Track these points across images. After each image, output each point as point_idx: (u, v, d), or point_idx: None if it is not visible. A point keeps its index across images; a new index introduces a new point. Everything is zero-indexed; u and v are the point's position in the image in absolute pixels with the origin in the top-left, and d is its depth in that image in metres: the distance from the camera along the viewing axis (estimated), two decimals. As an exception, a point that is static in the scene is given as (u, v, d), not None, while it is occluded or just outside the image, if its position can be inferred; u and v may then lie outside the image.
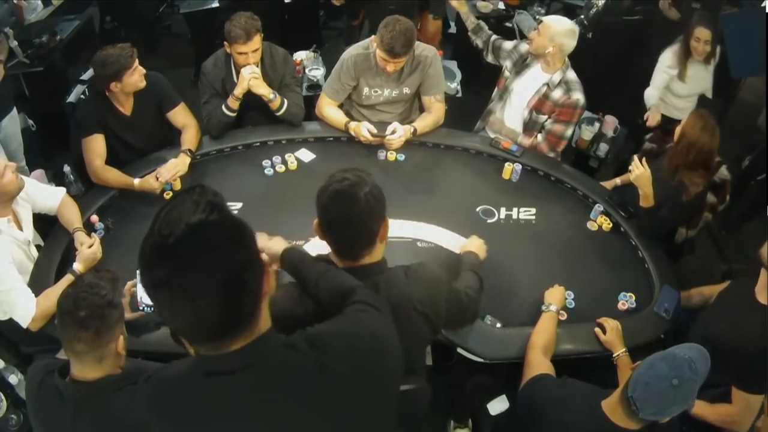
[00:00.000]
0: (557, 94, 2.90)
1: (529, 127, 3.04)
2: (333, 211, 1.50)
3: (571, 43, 2.82)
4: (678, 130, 2.52)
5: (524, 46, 3.02)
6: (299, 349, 1.05)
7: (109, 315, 1.53)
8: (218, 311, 0.93)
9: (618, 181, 3.00)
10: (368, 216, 1.50)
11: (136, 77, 2.62)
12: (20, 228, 2.24)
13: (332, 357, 1.05)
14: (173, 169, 2.64)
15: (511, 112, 3.11)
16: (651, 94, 3.47)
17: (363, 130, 2.86)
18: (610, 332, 2.14)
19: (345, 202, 1.48)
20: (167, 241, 0.91)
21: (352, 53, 2.92)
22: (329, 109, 3.02)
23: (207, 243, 0.92)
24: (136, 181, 2.62)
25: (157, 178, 2.59)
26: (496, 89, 3.19)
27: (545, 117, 2.97)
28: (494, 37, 3.24)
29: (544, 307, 2.18)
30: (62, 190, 2.47)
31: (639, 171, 2.50)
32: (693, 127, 2.45)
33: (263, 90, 2.84)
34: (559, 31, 2.79)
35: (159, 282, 0.92)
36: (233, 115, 2.91)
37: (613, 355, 2.11)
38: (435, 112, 3.03)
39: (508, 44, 3.13)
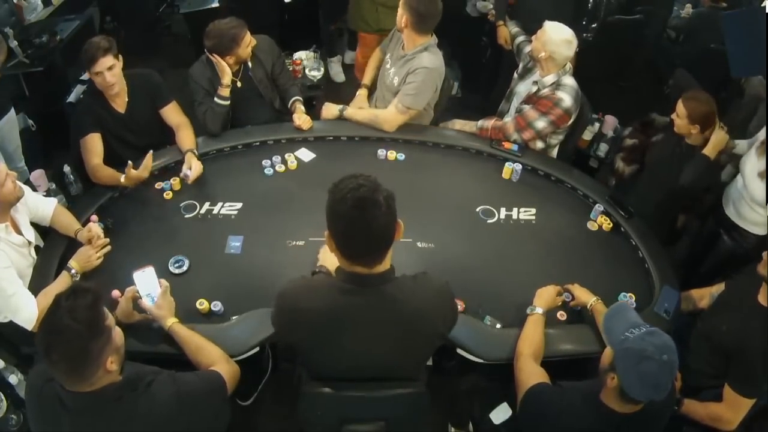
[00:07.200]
0: (545, 92, 2.85)
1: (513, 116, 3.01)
2: (355, 218, 1.45)
3: (564, 53, 2.76)
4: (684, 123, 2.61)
5: None
6: None
7: (89, 352, 1.41)
8: None
9: (626, 171, 2.96)
10: (390, 220, 1.49)
11: (99, 81, 2.61)
12: (18, 232, 2.23)
13: None
14: (197, 174, 2.66)
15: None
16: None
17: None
18: (577, 291, 2.22)
19: (368, 209, 1.44)
20: None
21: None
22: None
23: None
24: (122, 178, 2.56)
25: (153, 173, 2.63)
26: (509, 90, 3.16)
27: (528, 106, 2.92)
28: (520, 39, 3.22)
29: (529, 310, 2.14)
30: (54, 199, 2.47)
31: (719, 135, 2.59)
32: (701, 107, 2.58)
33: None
34: (554, 39, 2.75)
35: None
36: (227, 103, 2.93)
37: (588, 306, 2.16)
38: (385, 112, 2.97)
39: (528, 47, 3.04)
